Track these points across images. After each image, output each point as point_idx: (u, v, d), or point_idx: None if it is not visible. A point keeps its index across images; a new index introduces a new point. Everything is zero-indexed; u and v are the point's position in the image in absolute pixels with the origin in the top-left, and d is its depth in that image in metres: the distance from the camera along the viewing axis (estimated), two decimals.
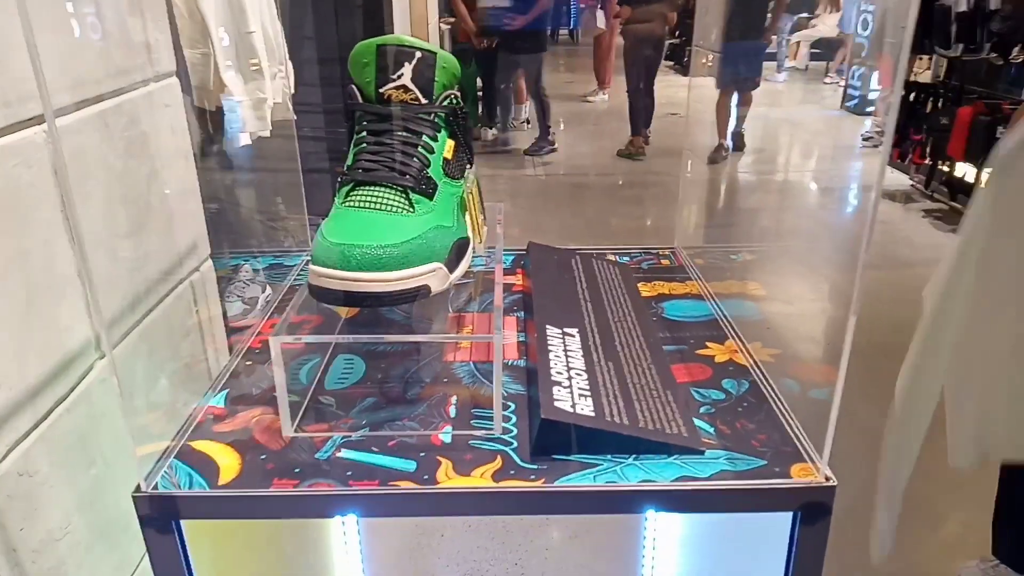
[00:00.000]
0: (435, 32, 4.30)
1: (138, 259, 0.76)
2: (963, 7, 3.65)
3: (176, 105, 0.87)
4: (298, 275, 0.91)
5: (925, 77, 4.35)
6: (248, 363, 0.69)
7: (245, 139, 1.99)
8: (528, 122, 6.18)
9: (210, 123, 1.89)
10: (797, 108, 7.36)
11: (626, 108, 6.01)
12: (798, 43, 8.97)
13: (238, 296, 1.98)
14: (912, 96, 4.25)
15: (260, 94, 1.95)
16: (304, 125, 2.24)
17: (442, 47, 5.27)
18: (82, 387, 0.65)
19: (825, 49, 8.58)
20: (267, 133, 1.99)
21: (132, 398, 0.56)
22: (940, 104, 4.12)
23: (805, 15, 9.35)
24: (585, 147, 6.07)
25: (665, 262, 0.93)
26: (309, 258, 0.58)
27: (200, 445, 0.56)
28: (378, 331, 0.71)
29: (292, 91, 2.14)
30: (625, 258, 0.94)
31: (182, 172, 0.89)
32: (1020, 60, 3.71)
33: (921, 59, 4.38)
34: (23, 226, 0.59)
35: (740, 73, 4.85)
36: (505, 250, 0.92)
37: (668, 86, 8.35)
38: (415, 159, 0.63)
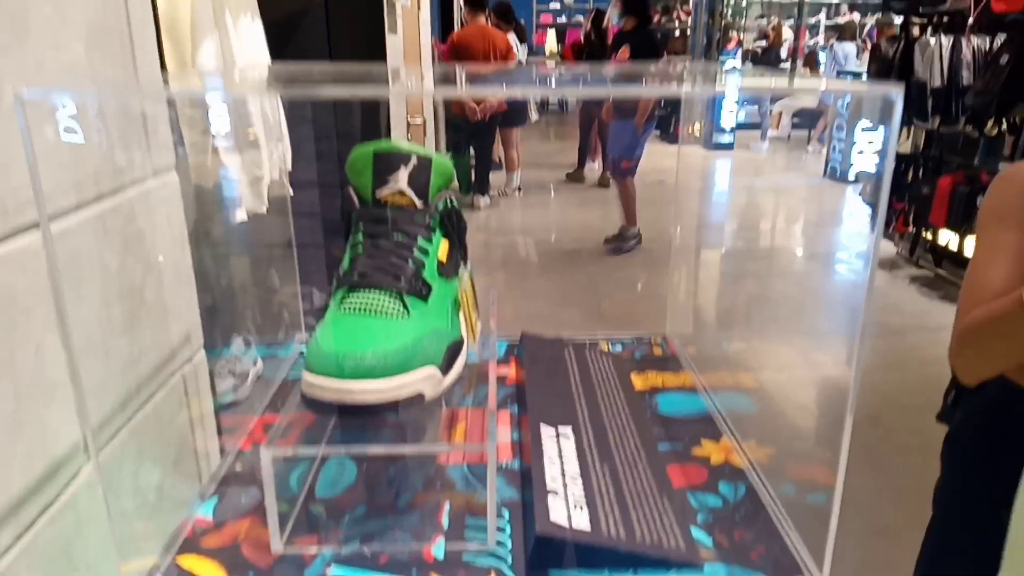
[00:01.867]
0: (429, 104, 4.40)
1: (131, 356, 0.75)
2: (938, 83, 3.79)
3: (174, 197, 0.88)
4: (292, 367, 0.90)
5: (905, 147, 4.48)
6: (238, 468, 0.68)
7: (241, 215, 2.01)
8: (520, 189, 6.29)
9: (206, 200, 1.91)
10: (781, 177, 7.53)
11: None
12: (779, 113, 9.25)
13: (229, 371, 1.96)
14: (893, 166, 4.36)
15: (257, 171, 1.97)
16: (300, 200, 2.26)
17: (435, 117, 5.29)
18: (68, 494, 0.63)
19: (806, 118, 8.85)
20: (263, 210, 2.01)
21: (119, 506, 0.55)
22: (920, 173, 4.23)
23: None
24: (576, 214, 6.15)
25: (657, 351, 0.93)
26: (303, 349, 0.58)
27: (187, 561, 0.55)
28: (370, 431, 0.71)
29: (289, 167, 2.18)
30: (618, 346, 0.94)
31: (177, 263, 0.89)
32: (995, 133, 3.83)
33: (901, 131, 4.52)
34: (15, 332, 0.59)
35: (616, 155, 4.90)
36: (499, 339, 0.92)
37: (654, 154, 8.57)
38: (410, 262, 0.63)
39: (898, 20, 4.57)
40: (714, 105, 8.50)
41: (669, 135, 9.28)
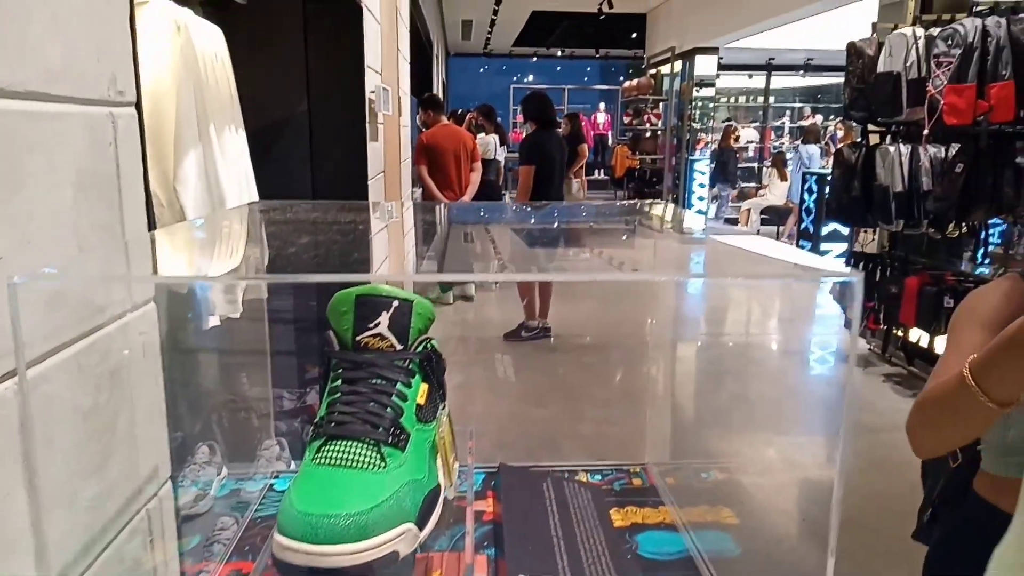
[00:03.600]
0: (408, 201, 4.51)
1: (98, 498, 0.73)
2: (900, 188, 3.97)
3: (151, 330, 0.88)
4: (259, 503, 0.88)
5: (872, 248, 4.64)
6: None
7: (214, 321, 2.00)
8: (497, 284, 6.35)
9: (178, 303, 1.90)
10: (752, 271, 7.68)
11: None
12: (748, 210, 9.57)
13: (192, 480, 1.89)
14: (861, 265, 4.49)
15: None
16: (275, 304, 2.26)
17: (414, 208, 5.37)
18: None
19: (774, 215, 9.16)
20: (237, 315, 2.00)
21: None
22: (888, 272, 4.35)
23: (753, 185, 10.05)
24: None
25: (637, 481, 0.93)
26: (272, 481, 0.56)
27: None
28: None
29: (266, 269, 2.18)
30: (597, 476, 0.94)
31: (151, 396, 0.88)
32: (956, 235, 3.99)
33: (866, 232, 4.69)
34: None
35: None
36: (477, 467, 0.91)
37: (630, 247, 8.76)
38: (388, 409, 0.63)
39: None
40: (687, 203, 8.79)
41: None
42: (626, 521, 0.83)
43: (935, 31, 3.76)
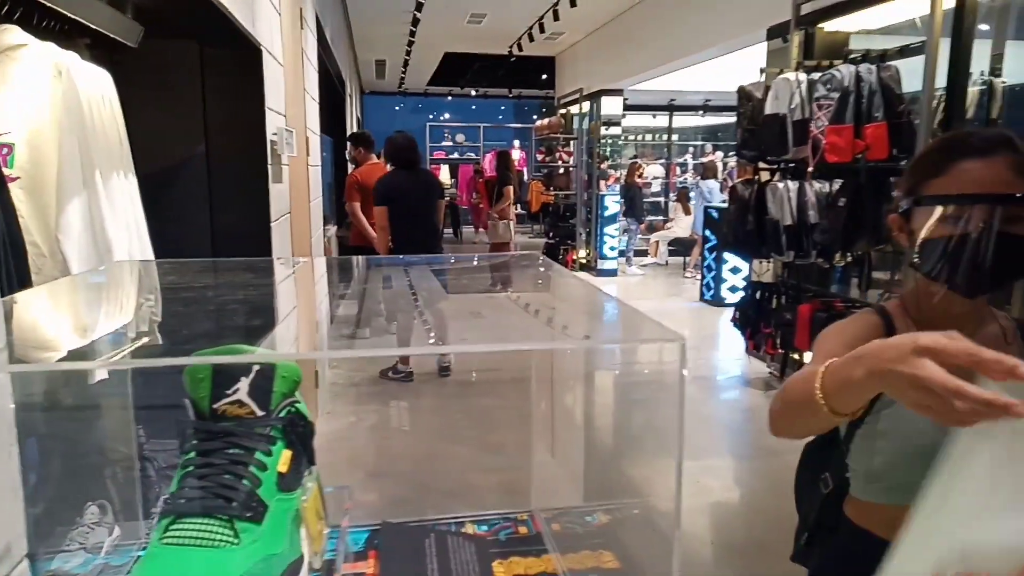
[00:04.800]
0: (320, 243, 4.42)
1: None
2: (789, 221, 4.20)
3: (4, 397, 0.83)
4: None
5: (768, 277, 4.87)
6: None
7: (102, 375, 1.90)
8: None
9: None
10: (663, 301, 7.94)
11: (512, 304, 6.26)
12: (656, 242, 9.91)
13: (80, 543, 1.76)
14: (759, 294, 4.71)
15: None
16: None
17: (327, 255, 5.25)
18: None
19: (681, 246, 9.52)
20: (106, 376, 1.90)
21: None
22: (783, 300, 4.58)
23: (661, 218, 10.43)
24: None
25: (523, 530, 0.93)
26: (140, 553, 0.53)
27: None
28: None
29: (159, 318, 2.09)
30: (483, 527, 0.93)
31: (3, 470, 0.82)
32: (842, 264, 4.25)
33: (762, 262, 4.93)
34: None
35: None
36: (359, 527, 0.89)
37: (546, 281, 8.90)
38: (244, 481, 0.61)
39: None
40: (599, 236, 9.01)
41: (558, 262, 9.72)
42: (508, 573, 0.83)
43: (816, 76, 4.04)
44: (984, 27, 3.85)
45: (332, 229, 5.64)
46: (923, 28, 3.64)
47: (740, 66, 6.20)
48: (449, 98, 15.99)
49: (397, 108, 16.30)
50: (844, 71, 3.85)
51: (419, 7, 7.93)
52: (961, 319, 0.99)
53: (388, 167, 4.82)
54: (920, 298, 1.02)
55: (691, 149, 12.76)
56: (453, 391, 4.72)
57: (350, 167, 5.76)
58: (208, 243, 2.48)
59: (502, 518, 0.96)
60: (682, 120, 12.79)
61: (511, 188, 7.14)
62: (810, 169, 4.01)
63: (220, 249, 2.44)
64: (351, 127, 9.74)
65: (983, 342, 0.97)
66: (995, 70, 3.86)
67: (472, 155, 14.12)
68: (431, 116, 15.74)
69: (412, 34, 9.41)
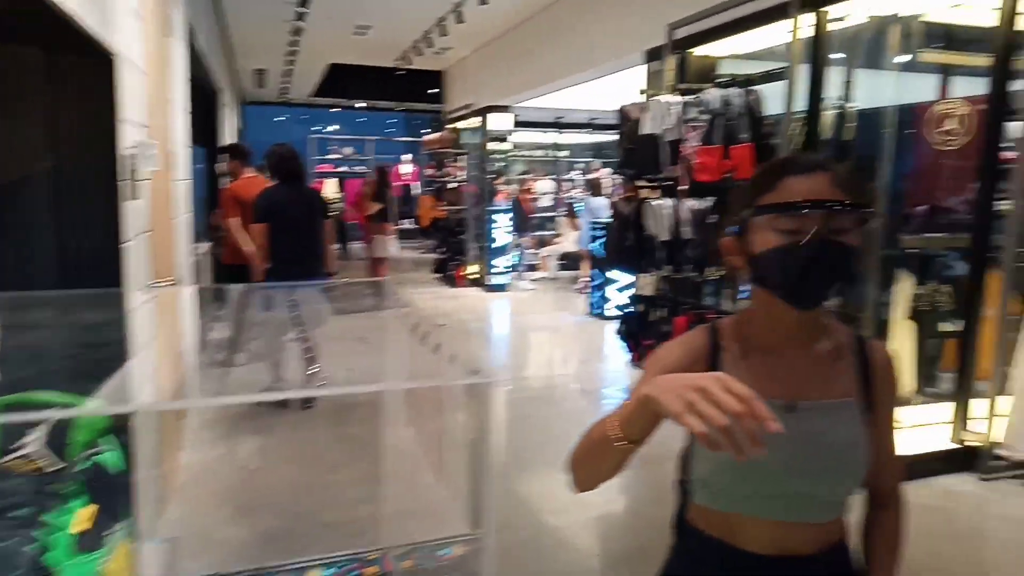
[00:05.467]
0: (188, 263, 4.16)
1: None
2: (666, 236, 4.37)
3: None
4: None
5: (649, 290, 5.04)
6: None
7: None
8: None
9: None
10: (553, 315, 8.06)
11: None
12: (546, 256, 10.08)
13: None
14: (640, 307, 4.87)
15: None
16: None
17: (198, 273, 4.91)
18: None
19: (571, 261, 9.72)
20: None
21: None
22: (662, 312, 4.75)
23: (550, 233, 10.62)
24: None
25: (371, 570, 0.89)
26: None
27: None
28: None
29: None
30: (331, 569, 0.88)
31: None
32: (714, 277, 4.46)
33: (644, 276, 5.09)
34: None
35: None
36: None
37: (438, 297, 8.84)
38: (28, 547, 0.54)
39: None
40: (489, 251, 9.05)
41: (447, 278, 9.67)
42: None
43: (688, 99, 4.23)
44: (838, 56, 4.17)
45: (204, 247, 5.35)
46: (784, 55, 3.89)
47: (626, 85, 6.41)
48: (336, 110, 15.66)
49: (280, 119, 15.80)
50: (713, 94, 4.05)
51: (301, 16, 7.73)
52: (794, 334, 1.03)
53: (270, 180, 4.59)
54: (754, 314, 1.06)
55: (581, 165, 13.10)
56: (327, 419, 4.56)
57: (226, 181, 5.46)
58: (54, 268, 2.28)
59: (351, 559, 0.91)
60: (571, 137, 13.12)
61: (380, 205, 7.07)
62: (683, 188, 4.19)
63: (68, 273, 2.24)
64: (229, 138, 9.34)
65: (812, 358, 1.01)
66: (847, 95, 4.18)
67: (361, 168, 13.85)
68: (317, 128, 15.35)
69: (294, 43, 9.16)
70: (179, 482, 3.44)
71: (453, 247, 9.79)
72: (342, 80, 12.69)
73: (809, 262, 0.94)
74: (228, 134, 9.65)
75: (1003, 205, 3.53)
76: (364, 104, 15.25)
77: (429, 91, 12.58)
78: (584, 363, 6.02)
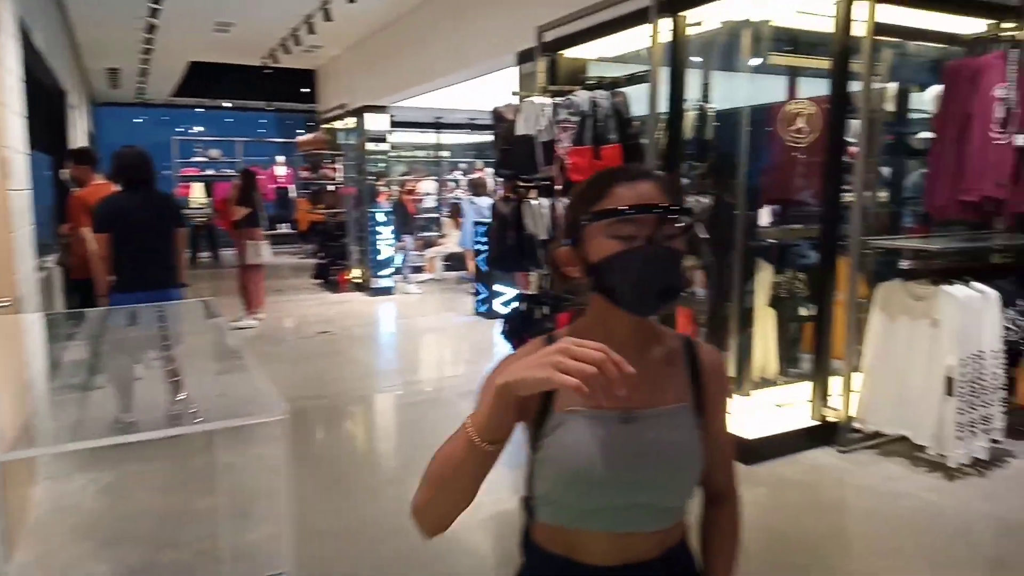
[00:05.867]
0: (30, 278, 3.77)
1: None
2: (544, 236, 4.43)
3: None
4: None
5: (534, 289, 5.10)
6: None
7: None
8: None
9: None
10: (440, 316, 8.01)
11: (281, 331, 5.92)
12: (432, 258, 10.00)
13: None
14: (524, 305, 4.91)
15: None
16: None
17: (48, 290, 4.46)
18: None
19: (456, 261, 9.70)
20: None
21: None
22: (546, 310, 4.81)
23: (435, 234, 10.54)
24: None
25: None
26: None
27: None
28: None
29: None
30: None
31: None
32: None
33: (528, 275, 5.15)
34: None
35: None
36: None
37: (321, 303, 8.56)
38: None
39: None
40: (372, 254, 8.87)
41: (329, 283, 9.39)
42: None
43: (559, 100, 4.31)
44: (697, 59, 4.38)
45: (52, 258, 4.90)
46: (648, 59, 4.03)
47: (504, 86, 6.42)
48: (200, 110, 14.83)
49: (139, 121, 14.79)
50: (581, 96, 4.15)
51: (154, 12, 7.25)
52: (628, 342, 1.02)
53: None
54: (590, 324, 1.07)
55: (464, 165, 13.10)
56: (195, 443, 4.30)
57: (75, 188, 5.02)
58: None
59: None
60: (453, 137, 13.09)
61: (247, 210, 6.77)
62: (559, 187, 4.26)
63: None
64: (81, 143, 8.62)
65: (646, 365, 1.01)
66: (706, 97, 4.40)
67: (230, 171, 13.17)
68: (180, 129, 14.47)
69: (149, 41, 8.59)
70: (32, 519, 3.14)
71: (333, 251, 9.52)
72: (206, 79, 12.03)
73: (647, 265, 0.96)
74: (79, 138, 8.91)
75: (848, 197, 3.82)
76: (231, 104, 14.53)
77: (301, 90, 12.15)
78: (472, 363, 6.01)
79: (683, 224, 1.00)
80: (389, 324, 7.95)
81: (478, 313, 7.51)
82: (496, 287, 7.19)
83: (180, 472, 3.73)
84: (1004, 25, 3.92)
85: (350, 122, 9.35)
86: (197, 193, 12.97)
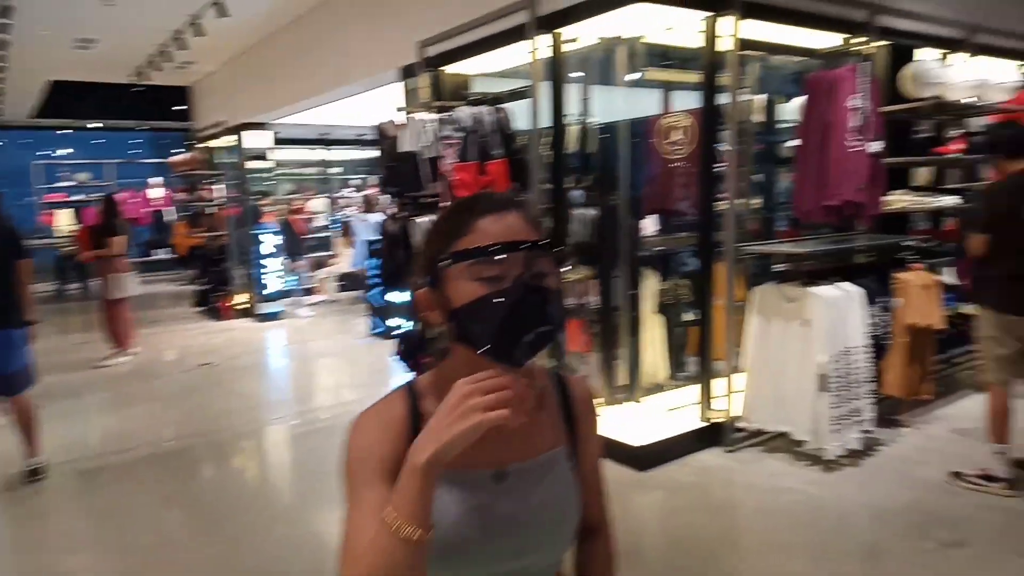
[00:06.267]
0: None
1: None
2: None
3: None
4: None
5: None
6: None
7: None
8: None
9: None
10: (334, 339, 7.76)
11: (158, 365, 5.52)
12: (324, 278, 9.70)
13: None
14: (417, 324, 4.81)
15: None
16: None
17: None
18: None
19: (351, 281, 9.43)
20: None
21: None
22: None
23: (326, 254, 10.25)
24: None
25: None
26: None
27: None
28: None
29: None
30: None
31: None
32: None
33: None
34: None
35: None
36: None
37: (203, 332, 8.09)
38: None
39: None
40: (258, 278, 8.50)
41: (213, 311, 8.91)
42: None
43: (442, 116, 4.26)
44: (577, 75, 4.45)
45: None
46: (528, 74, 4.05)
47: (392, 101, 6.29)
48: (67, 132, 13.84)
49: None
50: (464, 112, 4.12)
51: (4, 28, 6.67)
52: None
53: None
54: (455, 370, 0.92)
55: (356, 182, 12.81)
56: (62, 492, 3.96)
57: None
58: None
59: None
60: (343, 153, 12.78)
61: (120, 239, 6.33)
62: (447, 203, 4.21)
63: None
64: None
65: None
66: (586, 111, 4.47)
67: (101, 195, 12.31)
68: (44, 153, 13.42)
69: (2, 58, 7.91)
70: None
71: (216, 276, 9.05)
72: (70, 99, 11.22)
73: (517, 310, 0.86)
74: None
75: (722, 205, 3.98)
76: (100, 124, 13.62)
77: (175, 108, 11.54)
78: (371, 387, 5.83)
79: (556, 259, 0.91)
80: (279, 351, 7.62)
81: (375, 334, 7.32)
82: (389, 298, 7.02)
83: (44, 524, 3.40)
84: (854, 40, 4.22)
85: (229, 140, 8.95)
86: (64, 220, 12.04)
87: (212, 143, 9.46)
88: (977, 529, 3.02)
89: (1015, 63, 5.27)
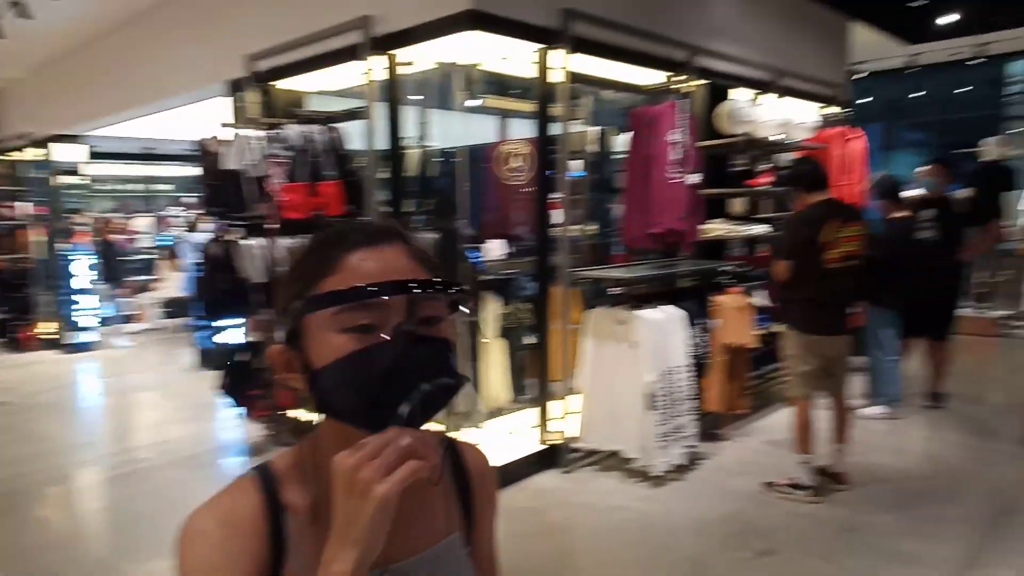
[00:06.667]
0: None
1: None
2: (261, 279, 4.10)
3: None
4: None
5: (250, 337, 4.68)
6: None
7: None
8: None
9: None
10: (156, 371, 7.12)
11: None
12: (147, 305, 8.92)
13: None
14: (242, 356, 4.49)
15: None
16: None
17: None
18: None
19: (178, 307, 8.73)
20: None
21: None
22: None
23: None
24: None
25: None
26: None
27: None
28: None
29: None
30: None
31: None
32: None
33: (239, 322, 4.72)
34: None
35: None
36: None
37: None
38: None
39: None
40: (68, 305, 7.66)
41: (13, 341, 7.91)
42: None
43: (269, 133, 4.04)
44: (415, 98, 4.40)
45: None
46: (364, 94, 3.95)
47: (222, 116, 5.91)
48: None
49: None
50: (293, 130, 3.94)
51: None
52: None
53: None
54: (323, 449, 0.74)
55: (188, 200, 11.93)
56: None
57: None
58: None
59: None
60: (173, 170, 11.88)
61: None
62: (274, 226, 3.98)
63: None
64: None
65: (403, 497, 0.67)
66: (424, 135, 4.44)
67: None
68: None
69: None
70: None
71: (16, 304, 8.05)
72: None
73: (397, 370, 0.66)
74: None
75: (557, 231, 4.07)
76: None
77: None
78: (196, 421, 5.38)
79: (451, 301, 0.73)
80: (91, 386, 6.87)
81: (203, 364, 6.78)
82: (217, 336, 6.56)
83: None
84: (675, 78, 4.51)
85: (37, 153, 8.05)
86: None
87: (15, 155, 8.46)
88: (785, 537, 3.25)
89: (816, 105, 5.89)
